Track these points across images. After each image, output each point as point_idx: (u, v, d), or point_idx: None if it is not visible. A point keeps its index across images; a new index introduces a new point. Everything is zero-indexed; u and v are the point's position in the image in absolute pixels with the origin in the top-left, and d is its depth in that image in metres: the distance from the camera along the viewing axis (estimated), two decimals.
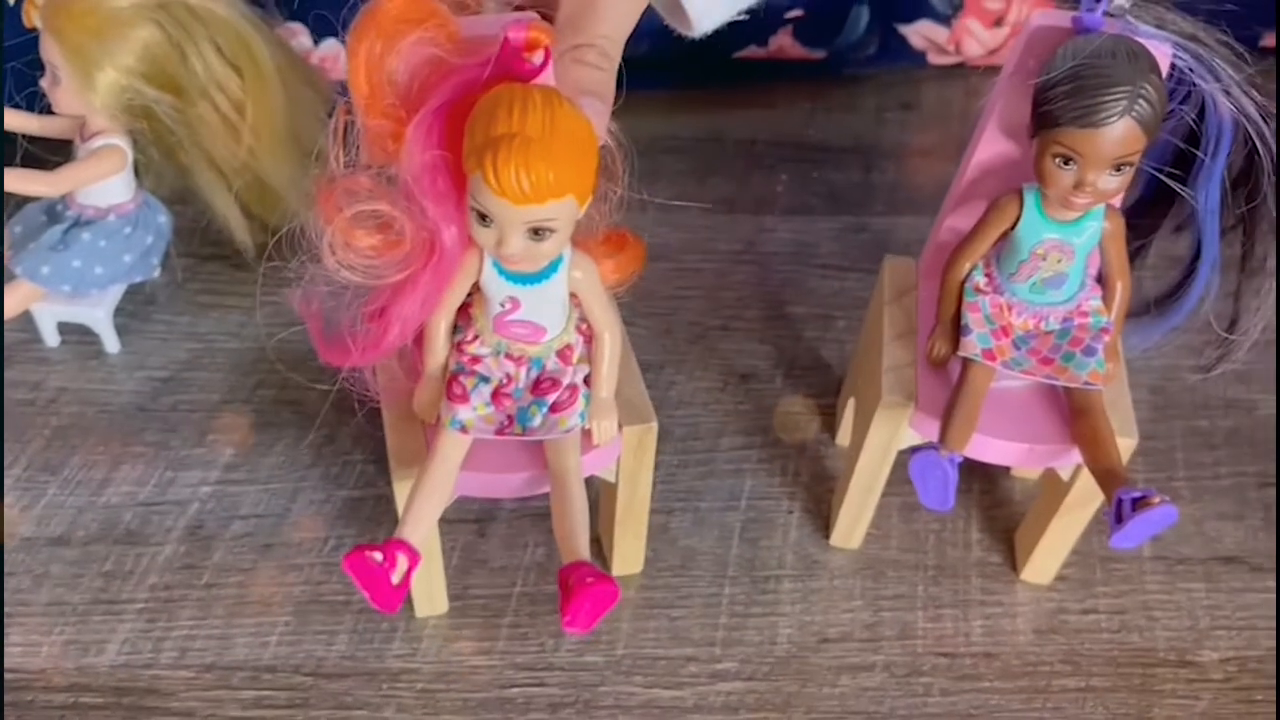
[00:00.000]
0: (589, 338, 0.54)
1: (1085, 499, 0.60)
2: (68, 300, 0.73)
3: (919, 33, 0.98)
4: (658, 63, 0.95)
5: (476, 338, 0.52)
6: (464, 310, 0.53)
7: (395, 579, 0.48)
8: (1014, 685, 0.62)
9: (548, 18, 0.50)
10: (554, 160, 0.44)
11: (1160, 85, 0.50)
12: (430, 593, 0.62)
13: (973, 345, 0.56)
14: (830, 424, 0.74)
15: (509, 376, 0.53)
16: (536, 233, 0.46)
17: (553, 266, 0.50)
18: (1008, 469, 0.72)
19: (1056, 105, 0.50)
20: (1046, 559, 0.65)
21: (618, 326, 0.54)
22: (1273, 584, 0.67)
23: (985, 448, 0.57)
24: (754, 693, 0.61)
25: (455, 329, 0.53)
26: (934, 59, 1.00)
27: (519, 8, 0.51)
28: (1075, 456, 0.57)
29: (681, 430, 0.74)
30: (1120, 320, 0.58)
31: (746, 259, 0.85)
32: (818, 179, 0.92)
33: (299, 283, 0.51)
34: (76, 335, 0.76)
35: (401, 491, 0.54)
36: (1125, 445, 0.57)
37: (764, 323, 0.81)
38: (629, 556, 0.65)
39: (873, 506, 0.65)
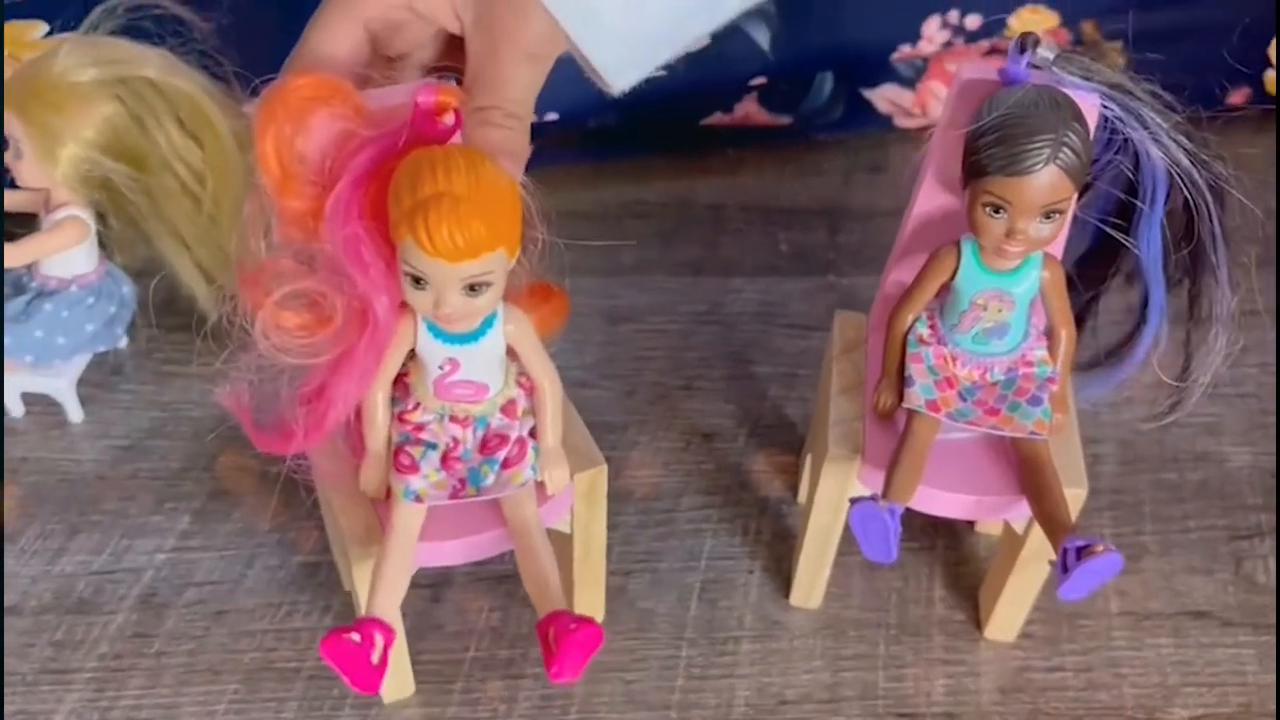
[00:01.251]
0: (529, 390, 0.54)
1: (1040, 552, 0.60)
2: (30, 370, 0.73)
3: (884, 97, 0.99)
4: (626, 132, 0.97)
5: (417, 406, 0.53)
6: (399, 381, 0.53)
7: (374, 658, 0.48)
8: None
9: (461, 83, 0.51)
10: (484, 214, 0.45)
11: (1084, 133, 0.50)
12: (397, 673, 0.61)
13: (916, 397, 0.56)
14: (794, 483, 0.74)
15: (455, 440, 0.53)
16: (473, 289, 0.46)
17: (487, 323, 0.51)
18: (971, 525, 0.72)
19: (983, 155, 0.50)
20: (1009, 614, 0.64)
21: (555, 375, 0.54)
22: (1243, 639, 0.65)
23: (932, 500, 0.57)
24: None
25: (394, 401, 0.53)
26: (900, 122, 1.01)
27: (435, 70, 0.52)
28: (1025, 508, 0.57)
29: (642, 490, 0.73)
30: (1066, 369, 0.58)
31: (712, 320, 0.86)
32: (784, 240, 0.93)
33: (225, 378, 0.51)
34: (41, 405, 0.76)
35: (362, 573, 0.54)
36: (1074, 496, 0.56)
37: (728, 382, 0.81)
38: (590, 607, 0.64)
39: (829, 563, 0.64)
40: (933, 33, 0.94)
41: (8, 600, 0.66)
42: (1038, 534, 0.59)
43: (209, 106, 0.70)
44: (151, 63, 0.68)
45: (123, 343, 0.77)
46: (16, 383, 0.74)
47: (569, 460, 0.55)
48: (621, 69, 0.53)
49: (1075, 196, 0.52)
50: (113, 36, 0.69)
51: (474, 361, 0.51)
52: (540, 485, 0.54)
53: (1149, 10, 0.72)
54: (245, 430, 0.53)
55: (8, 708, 0.61)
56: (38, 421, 0.76)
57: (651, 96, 0.91)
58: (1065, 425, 0.59)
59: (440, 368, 0.51)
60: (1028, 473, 0.56)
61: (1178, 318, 0.60)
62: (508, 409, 0.53)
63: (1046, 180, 0.50)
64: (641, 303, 0.87)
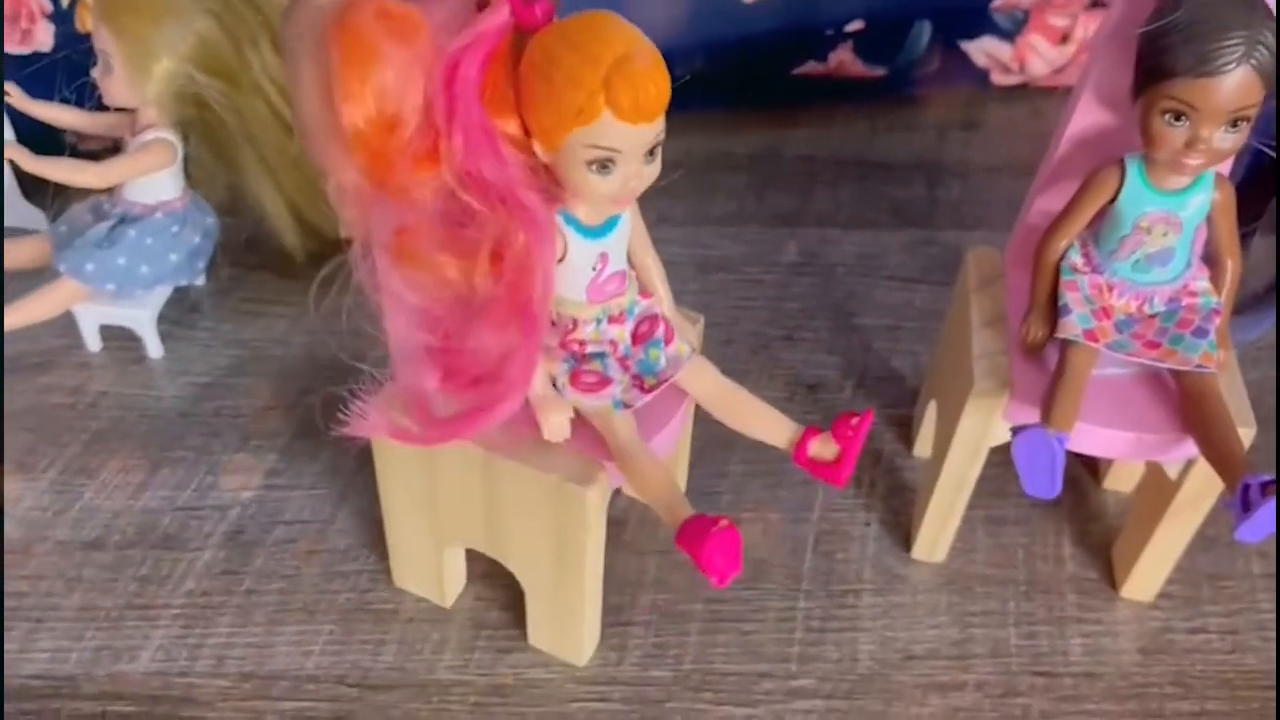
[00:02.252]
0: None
1: (1195, 499, 0.56)
2: (111, 300, 0.70)
3: (982, 50, 0.96)
4: (715, 80, 0.94)
5: (575, 324, 0.49)
6: None
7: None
8: (1122, 708, 0.57)
9: None
10: (661, 64, 0.42)
11: (1276, 32, 0.46)
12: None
13: (1073, 326, 0.52)
14: (906, 436, 0.70)
15: (613, 341, 0.50)
16: (651, 153, 0.44)
17: None
18: (1099, 481, 0.68)
19: (1168, 56, 0.47)
20: (1150, 571, 0.60)
21: None
22: None
23: (1090, 438, 0.53)
24: (835, 711, 0.56)
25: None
26: (997, 78, 0.98)
27: None
28: (1186, 449, 0.53)
29: (748, 440, 0.69)
30: (1230, 302, 0.54)
31: (809, 271, 0.82)
32: (881, 194, 0.89)
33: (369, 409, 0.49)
34: (119, 340, 0.73)
35: (599, 499, 0.50)
36: (1244, 435, 0.52)
37: (830, 333, 0.77)
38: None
39: (960, 512, 0.60)
40: None
41: (91, 534, 0.63)
42: (1194, 480, 0.55)
43: None
44: None
45: (201, 278, 0.74)
46: (96, 314, 0.71)
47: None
48: None
49: (1262, 103, 0.48)
50: None
51: (618, 250, 0.49)
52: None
53: None
54: (413, 441, 0.49)
55: (91, 642, 0.57)
56: (115, 357, 0.73)
57: (745, 40, 0.89)
58: (1229, 361, 0.55)
59: (594, 268, 0.48)
60: (1195, 409, 0.52)
61: None
62: (641, 291, 0.51)
63: (1238, 81, 0.46)
64: (735, 253, 0.83)
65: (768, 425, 0.51)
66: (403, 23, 0.41)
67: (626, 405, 0.49)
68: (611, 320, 0.49)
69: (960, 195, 0.89)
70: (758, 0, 0.87)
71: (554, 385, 0.49)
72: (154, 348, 0.72)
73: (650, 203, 0.89)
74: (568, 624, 0.55)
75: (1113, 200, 0.52)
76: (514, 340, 0.45)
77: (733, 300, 0.80)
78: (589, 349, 0.49)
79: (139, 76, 0.64)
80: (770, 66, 0.93)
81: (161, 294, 0.72)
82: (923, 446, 0.68)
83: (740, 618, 0.60)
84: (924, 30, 0.93)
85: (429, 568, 0.58)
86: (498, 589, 0.60)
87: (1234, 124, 0.47)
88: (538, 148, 0.44)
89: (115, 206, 0.69)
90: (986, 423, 0.55)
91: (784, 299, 0.80)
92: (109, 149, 0.70)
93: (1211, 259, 0.54)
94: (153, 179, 0.68)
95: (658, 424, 0.51)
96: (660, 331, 0.50)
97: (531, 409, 0.49)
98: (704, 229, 0.86)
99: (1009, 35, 0.95)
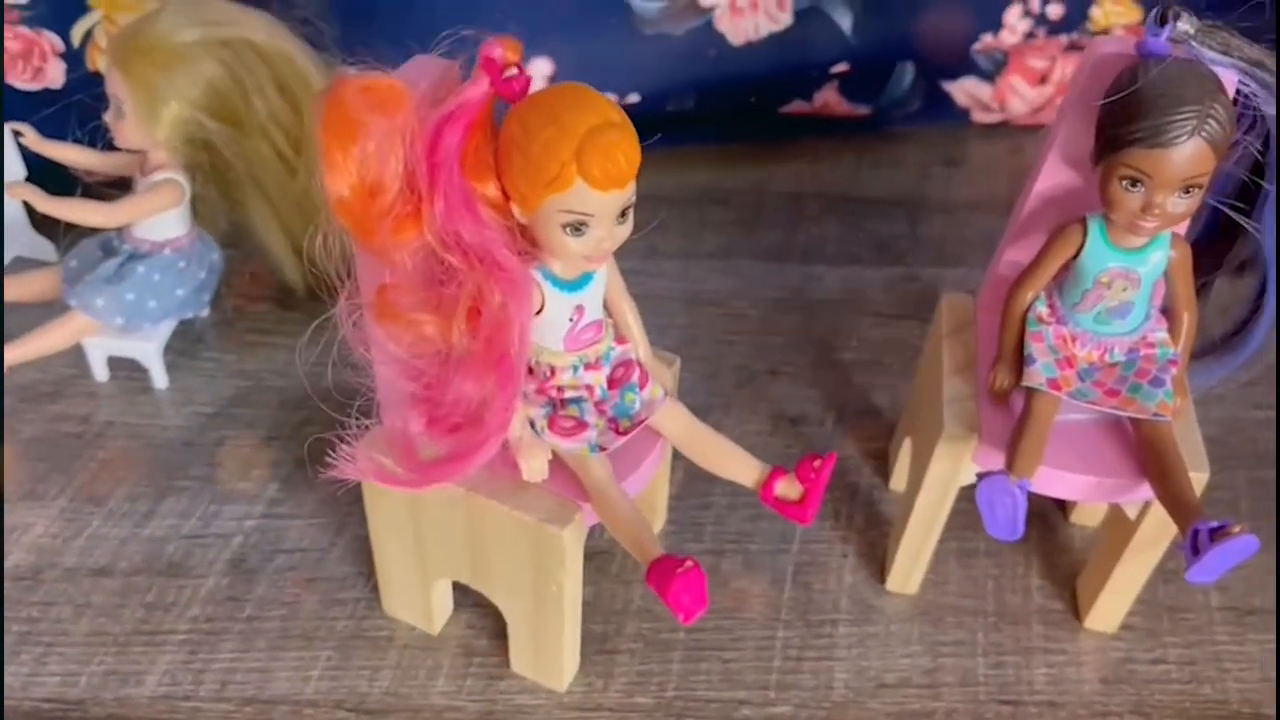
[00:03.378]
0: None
1: (1153, 539, 0.59)
2: (119, 333, 0.73)
3: (963, 90, 0.99)
4: (705, 117, 0.97)
5: (552, 370, 0.52)
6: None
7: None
8: None
9: None
10: (632, 133, 0.45)
11: (1228, 105, 0.49)
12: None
13: (1037, 375, 0.55)
14: (884, 470, 0.73)
15: (589, 386, 0.53)
16: (623, 215, 0.47)
17: None
18: (1066, 516, 0.71)
19: (1125, 127, 0.50)
20: (1112, 604, 0.63)
21: None
22: None
23: (1052, 481, 0.56)
24: None
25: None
26: (978, 116, 1.01)
27: None
28: (1144, 491, 0.56)
29: None
30: (1187, 352, 0.57)
31: (794, 305, 0.85)
32: (865, 231, 0.92)
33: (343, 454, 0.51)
34: (126, 370, 0.76)
35: (576, 539, 0.53)
36: (1197, 479, 0.55)
37: (813, 368, 0.80)
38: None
39: (931, 547, 0.63)
40: (1014, 21, 0.94)
41: (100, 561, 0.65)
42: (1151, 521, 0.58)
43: (309, 72, 0.70)
44: (255, 26, 0.68)
45: (205, 311, 0.76)
46: (104, 346, 0.74)
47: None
48: None
49: (1214, 171, 0.51)
50: None
51: (593, 301, 0.51)
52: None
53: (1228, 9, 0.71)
54: (398, 485, 0.51)
55: (99, 667, 0.60)
56: (122, 386, 0.76)
57: (733, 81, 0.92)
58: (1186, 409, 0.58)
59: (570, 319, 0.50)
60: (1151, 455, 0.55)
61: None
62: (617, 337, 0.54)
63: (1190, 152, 0.49)
64: (724, 287, 0.86)
65: (737, 465, 0.54)
66: (385, 95, 0.44)
67: (602, 448, 0.52)
68: (588, 367, 0.52)
69: (941, 232, 0.92)
70: (746, 43, 0.90)
71: (533, 429, 0.52)
72: (160, 379, 0.75)
73: (643, 237, 0.92)
74: (548, 653, 0.58)
75: (1076, 256, 0.55)
76: (492, 389, 0.48)
77: (719, 334, 0.82)
78: (567, 394, 0.52)
79: (149, 121, 0.67)
80: (758, 105, 0.96)
81: (167, 327, 0.75)
82: (898, 481, 0.71)
83: (721, 646, 0.63)
84: (907, 71, 0.96)
85: (418, 598, 0.60)
86: (488, 617, 0.63)
87: (1186, 190, 0.50)
88: (515, 210, 0.46)
89: (124, 243, 0.72)
90: (955, 466, 0.58)
91: (769, 333, 0.83)
92: (118, 186, 0.73)
93: (1170, 312, 0.57)
94: (161, 218, 0.71)
95: (633, 464, 0.54)
96: (635, 376, 0.53)
97: (512, 451, 0.52)
98: (694, 263, 0.89)
99: (989, 76, 0.98)
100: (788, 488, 0.53)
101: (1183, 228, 0.56)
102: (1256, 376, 0.78)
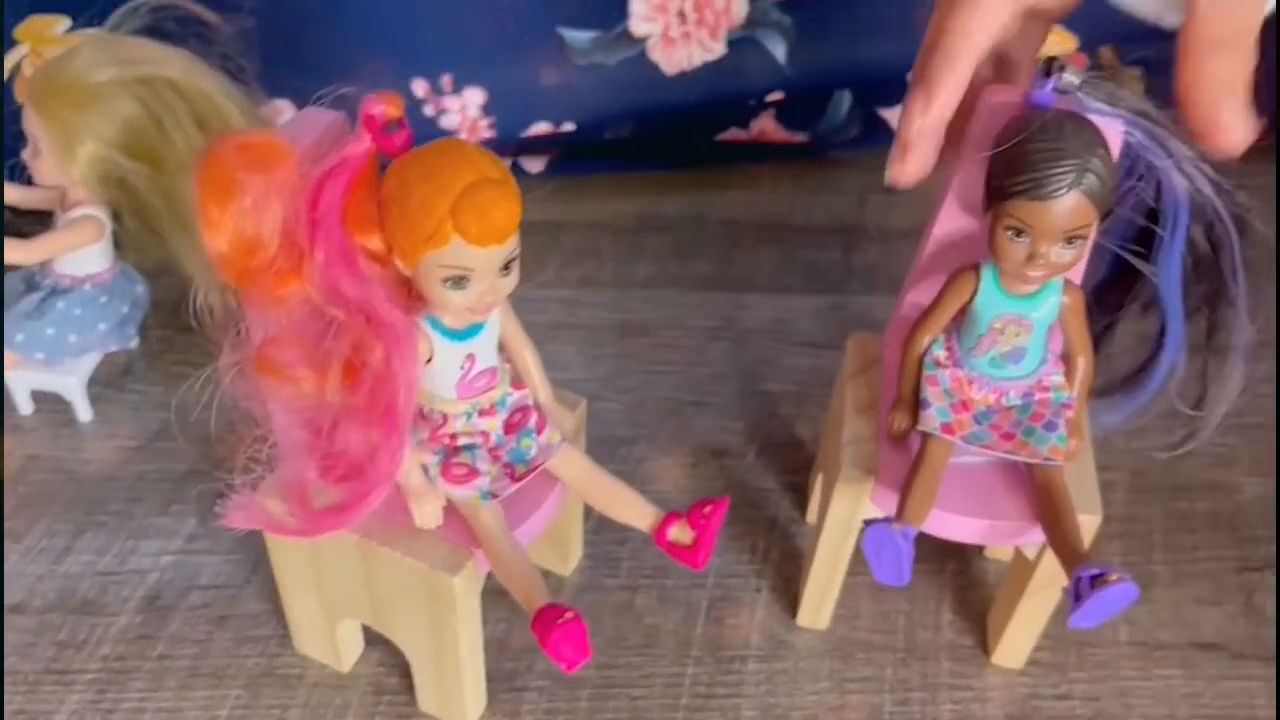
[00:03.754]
0: (505, 358, 0.55)
1: (1052, 579, 0.59)
2: (41, 368, 0.73)
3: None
4: (644, 145, 0.97)
5: (444, 419, 0.52)
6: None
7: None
8: None
9: None
10: (513, 187, 0.45)
11: (1108, 159, 0.50)
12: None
13: (931, 419, 0.56)
14: (802, 502, 0.73)
15: (484, 433, 0.53)
16: (506, 268, 0.47)
17: None
18: (981, 550, 0.71)
19: (1008, 179, 0.50)
20: (1017, 641, 0.63)
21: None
22: (1252, 672, 0.65)
23: (945, 524, 0.56)
24: None
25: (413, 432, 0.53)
26: None
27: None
28: (1037, 534, 0.56)
29: None
30: (1083, 396, 0.58)
31: (724, 335, 0.86)
32: (799, 259, 0.93)
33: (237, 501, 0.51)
34: (50, 404, 0.76)
35: (470, 589, 0.54)
36: (1089, 522, 0.56)
37: (739, 398, 0.80)
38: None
39: (838, 584, 0.64)
40: None
41: (14, 598, 0.65)
42: (1049, 561, 0.58)
43: (229, 109, 0.70)
44: (173, 63, 0.69)
45: (134, 342, 0.77)
46: (27, 380, 0.74)
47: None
48: None
49: (1097, 222, 0.51)
50: (135, 36, 0.70)
51: (485, 349, 0.52)
52: None
53: (1169, 38, 0.72)
54: (288, 534, 0.52)
55: (8, 707, 0.60)
56: (46, 420, 0.76)
57: (668, 110, 0.93)
58: (1081, 452, 0.58)
59: (461, 368, 0.51)
60: (1042, 499, 0.55)
61: (1195, 347, 0.60)
62: (514, 383, 0.54)
63: (1070, 205, 0.49)
64: (655, 316, 0.87)
65: (631, 510, 0.54)
66: (263, 152, 0.44)
67: (494, 495, 0.52)
68: (482, 414, 0.52)
69: (875, 259, 0.93)
70: (680, 73, 0.91)
71: (427, 475, 0.52)
72: (83, 412, 0.75)
73: (579, 265, 0.93)
74: (451, 693, 0.58)
75: (971, 301, 0.56)
76: (378, 440, 0.48)
77: (648, 365, 0.83)
78: (460, 441, 0.52)
79: (65, 160, 0.67)
80: (694, 133, 0.96)
81: (91, 361, 0.75)
82: (814, 513, 0.71)
83: (630, 684, 0.63)
84: (844, 99, 0.97)
85: (325, 637, 0.61)
86: (399, 655, 0.63)
87: (1070, 241, 0.51)
88: (399, 263, 0.47)
89: (46, 278, 0.72)
90: (854, 507, 0.59)
91: (697, 364, 0.83)
92: (43, 220, 0.73)
93: (1066, 357, 0.57)
94: (82, 253, 0.71)
95: (529, 509, 0.54)
96: (533, 421, 0.53)
97: (405, 497, 0.52)
98: (628, 292, 0.89)
99: None
100: (680, 533, 0.53)
101: (1076, 273, 0.56)
102: (1174, 410, 0.80)
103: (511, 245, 0.46)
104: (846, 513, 0.59)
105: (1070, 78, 0.52)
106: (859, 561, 0.63)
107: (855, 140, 1.00)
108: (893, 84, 0.97)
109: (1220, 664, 0.65)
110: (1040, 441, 0.55)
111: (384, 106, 0.45)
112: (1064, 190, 0.49)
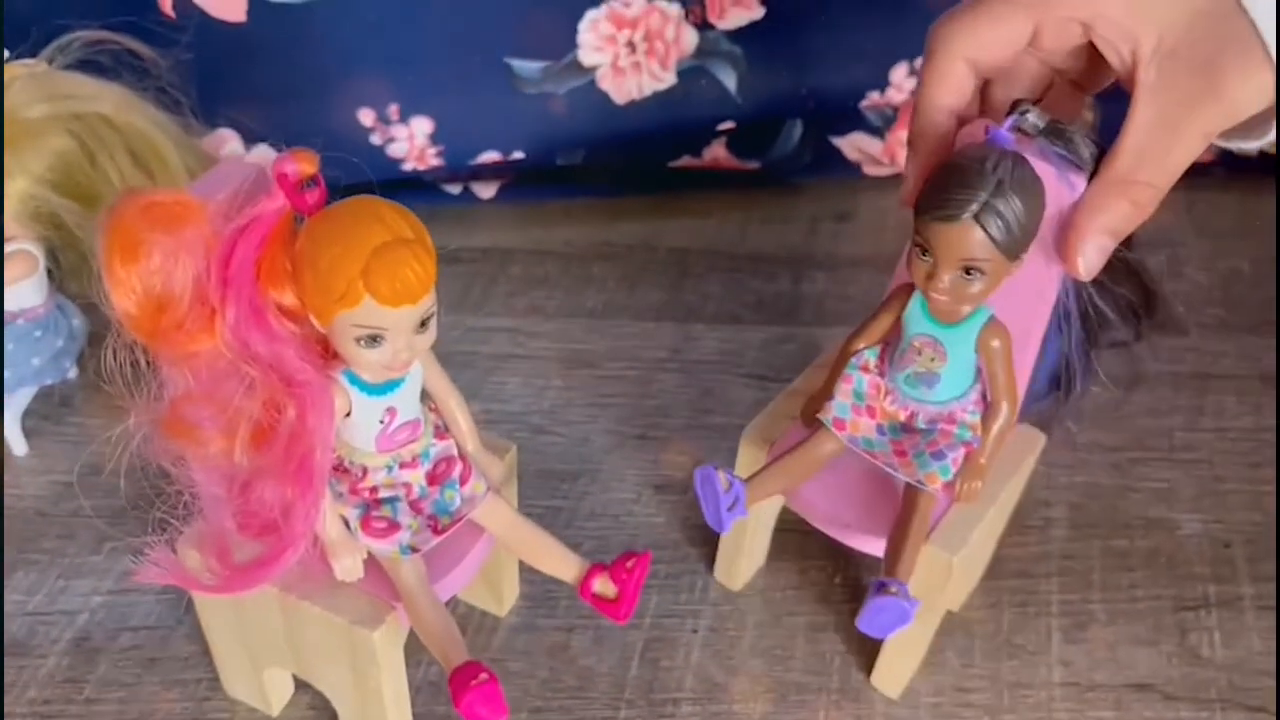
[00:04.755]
0: (432, 408, 0.55)
1: (928, 605, 0.59)
2: None
3: (852, 145, 0.99)
4: (595, 172, 0.97)
5: (365, 471, 0.52)
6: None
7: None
8: None
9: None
10: (427, 246, 0.45)
11: (1025, 211, 0.50)
12: None
13: (829, 410, 0.57)
14: None
15: (407, 485, 0.53)
16: (423, 324, 0.47)
17: None
18: None
19: (923, 196, 0.51)
20: (898, 665, 0.64)
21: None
22: (1184, 714, 0.65)
23: (808, 507, 0.59)
24: None
25: (331, 485, 0.52)
26: (869, 170, 1.02)
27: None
28: (872, 545, 0.58)
29: (590, 544, 0.73)
30: (993, 443, 0.57)
31: (671, 367, 0.85)
32: (748, 288, 0.93)
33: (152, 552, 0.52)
34: None
35: (393, 644, 0.53)
36: (938, 557, 0.57)
37: (684, 431, 0.80)
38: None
39: (745, 552, 0.67)
40: (901, 80, 0.94)
41: None
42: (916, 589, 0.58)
43: (163, 143, 0.70)
44: (107, 98, 0.68)
45: (72, 374, 0.76)
46: None
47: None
48: None
49: (1004, 266, 0.51)
50: (69, 71, 0.69)
51: (407, 402, 0.51)
52: None
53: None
54: (204, 590, 0.52)
55: None
56: None
57: (619, 137, 0.93)
58: (975, 496, 0.58)
59: (381, 421, 0.50)
60: (901, 516, 0.56)
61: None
62: (438, 433, 0.54)
63: (964, 234, 0.50)
64: (602, 348, 0.87)
65: (555, 562, 0.54)
66: (172, 211, 0.44)
67: (414, 549, 0.52)
68: (404, 466, 0.52)
69: (824, 289, 0.93)
70: (629, 102, 0.90)
71: (348, 527, 0.52)
72: (18, 446, 0.75)
73: (527, 294, 0.93)
74: None
75: (900, 315, 0.57)
76: (292, 497, 0.48)
77: (594, 397, 0.83)
78: (381, 494, 0.52)
79: None
80: (646, 160, 0.96)
81: (25, 395, 0.74)
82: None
83: None
84: (795, 128, 0.97)
85: (253, 682, 0.60)
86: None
87: (968, 271, 0.51)
88: (313, 320, 0.47)
89: None
90: (751, 468, 0.59)
91: (644, 396, 0.83)
92: None
93: (989, 399, 0.57)
94: (15, 287, 0.70)
95: (453, 561, 0.54)
96: (456, 472, 0.53)
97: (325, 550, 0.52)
98: (575, 322, 0.89)
99: (879, 132, 0.98)
100: (604, 586, 0.53)
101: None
102: (1121, 443, 0.80)
103: (426, 304, 0.46)
104: (745, 472, 0.59)
105: (1035, 120, 0.52)
106: (797, 600, 0.63)
107: (808, 167, 1.00)
108: (844, 113, 0.97)
109: (1154, 705, 0.65)
110: (923, 465, 0.56)
111: (297, 165, 0.45)
112: (959, 216, 0.49)
